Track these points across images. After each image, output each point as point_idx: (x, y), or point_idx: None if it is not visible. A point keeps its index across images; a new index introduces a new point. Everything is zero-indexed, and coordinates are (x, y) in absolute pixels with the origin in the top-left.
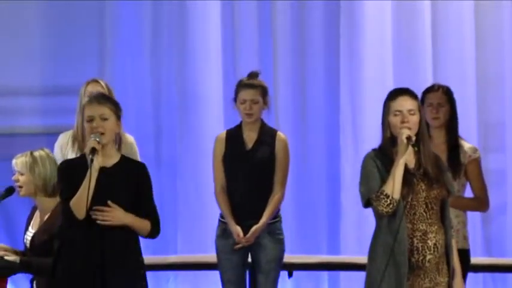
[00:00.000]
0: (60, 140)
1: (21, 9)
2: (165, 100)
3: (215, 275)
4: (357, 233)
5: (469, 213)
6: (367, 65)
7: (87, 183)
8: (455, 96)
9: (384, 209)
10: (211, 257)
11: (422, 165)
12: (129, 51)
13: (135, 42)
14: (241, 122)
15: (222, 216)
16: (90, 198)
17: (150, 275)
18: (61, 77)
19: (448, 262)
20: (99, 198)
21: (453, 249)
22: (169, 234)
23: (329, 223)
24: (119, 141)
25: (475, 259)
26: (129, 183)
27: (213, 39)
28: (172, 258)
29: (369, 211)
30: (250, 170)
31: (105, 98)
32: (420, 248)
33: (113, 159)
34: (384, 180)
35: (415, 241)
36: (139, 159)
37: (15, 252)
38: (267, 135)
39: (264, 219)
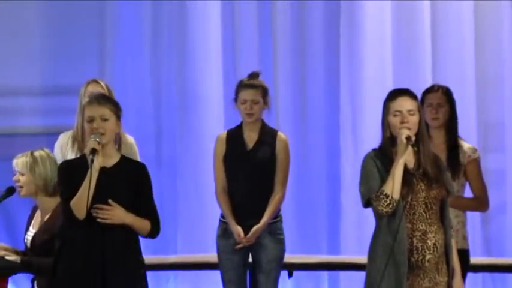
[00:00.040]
0: (60, 140)
1: (21, 9)
2: (165, 100)
3: (215, 274)
4: (356, 233)
5: (469, 213)
6: (367, 65)
7: (88, 183)
8: (455, 96)
9: (384, 209)
10: (211, 256)
11: (422, 165)
12: (129, 51)
13: (135, 42)
14: (241, 122)
15: (222, 216)
16: (90, 198)
17: (150, 275)
18: (61, 77)
19: (448, 262)
20: (99, 198)
21: (453, 249)
22: (170, 234)
23: (329, 223)
24: (118, 141)
25: (474, 259)
26: (129, 183)
27: (213, 39)
28: (172, 258)
29: (369, 211)
30: (251, 170)
31: (105, 99)
32: (420, 248)
33: (113, 159)
34: (383, 180)
35: (415, 241)
36: (139, 159)
37: (16, 252)
38: (268, 135)
39: (264, 219)
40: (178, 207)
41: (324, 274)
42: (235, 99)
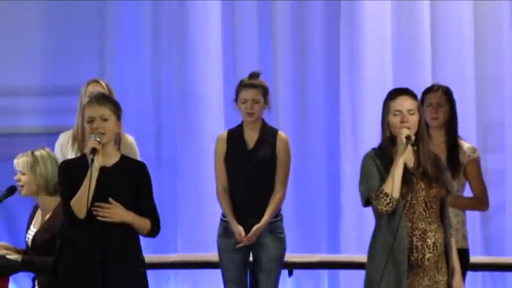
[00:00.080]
0: (61, 139)
1: (21, 9)
2: (165, 100)
3: (215, 273)
4: (356, 232)
5: (468, 213)
6: (367, 65)
7: (88, 182)
8: (455, 96)
9: (384, 208)
10: (211, 255)
11: (422, 164)
12: (129, 51)
13: (136, 42)
14: (242, 122)
15: (223, 215)
16: (90, 197)
17: (150, 274)
18: (61, 77)
19: (447, 261)
20: (99, 198)
21: (452, 248)
22: (170, 234)
23: (329, 222)
24: (118, 140)
25: (474, 258)
26: (129, 182)
27: (213, 39)
28: (172, 257)
29: (369, 210)
30: (252, 170)
31: (105, 99)
32: (419, 247)
33: (113, 158)
34: (383, 180)
35: (415, 240)
36: (139, 159)
37: (17, 251)
38: (268, 134)
39: (265, 219)
40: (178, 206)
41: (324, 273)
42: (236, 99)
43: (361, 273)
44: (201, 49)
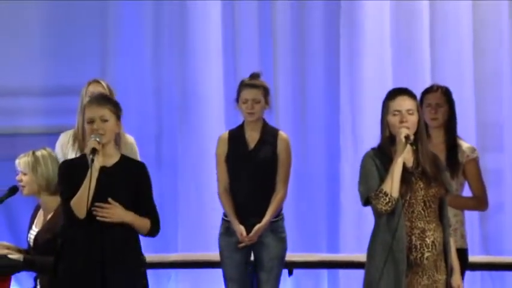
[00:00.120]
0: (61, 139)
1: (22, 10)
2: (166, 100)
3: (215, 272)
4: (356, 232)
5: (467, 212)
6: (366, 65)
7: (88, 182)
8: (454, 96)
9: (383, 207)
10: (212, 255)
11: (421, 164)
12: (130, 52)
13: (137, 42)
14: (243, 122)
15: (225, 214)
16: (90, 197)
17: (151, 273)
18: (62, 77)
19: (446, 260)
20: (99, 198)
21: (451, 247)
22: (170, 233)
23: (329, 222)
24: (118, 141)
25: (473, 257)
26: (129, 182)
27: (213, 39)
28: (173, 257)
29: (368, 210)
30: (253, 170)
31: (105, 99)
32: (418, 246)
33: (113, 158)
34: (382, 179)
35: (414, 239)
36: (139, 159)
37: (19, 251)
38: (269, 134)
39: (266, 218)
40: (178, 206)
41: (324, 272)
42: (237, 99)
43: (360, 273)
44: (202, 49)
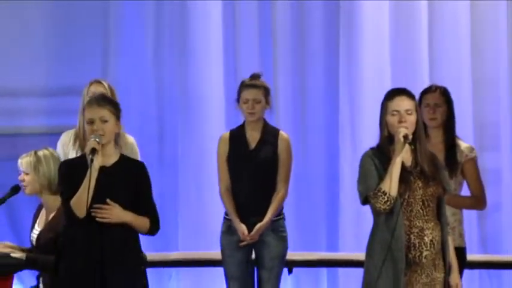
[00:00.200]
0: (63, 138)
1: (24, 10)
2: (167, 100)
3: (216, 271)
4: (355, 231)
5: (465, 211)
6: (365, 65)
7: (87, 182)
8: (451, 96)
9: (382, 206)
10: (212, 253)
11: (419, 163)
12: (131, 52)
13: (138, 42)
14: (244, 122)
15: (226, 213)
16: (90, 197)
17: (152, 272)
18: (64, 78)
19: (445, 258)
20: (99, 197)
21: (449, 246)
22: (171, 232)
23: (328, 221)
24: (118, 140)
25: (471, 256)
26: (128, 182)
27: (214, 39)
28: (174, 255)
29: (367, 209)
30: (254, 170)
31: (104, 100)
32: (417, 244)
33: (112, 158)
34: (381, 178)
35: (412, 237)
36: (140, 159)
37: (22, 250)
38: (270, 134)
39: (268, 217)
40: (179, 206)
41: (323, 271)
42: (238, 100)
43: (359, 271)
44: (202, 49)
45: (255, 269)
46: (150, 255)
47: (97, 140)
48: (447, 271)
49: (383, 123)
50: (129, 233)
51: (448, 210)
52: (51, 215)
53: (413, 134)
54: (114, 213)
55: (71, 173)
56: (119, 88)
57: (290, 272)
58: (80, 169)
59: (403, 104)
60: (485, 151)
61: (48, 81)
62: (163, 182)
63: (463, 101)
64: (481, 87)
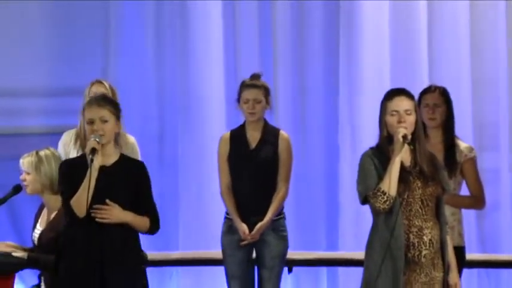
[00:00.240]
0: (64, 138)
1: (25, 10)
2: (168, 100)
3: (217, 270)
4: (354, 230)
5: (464, 211)
6: (365, 65)
7: (87, 182)
8: (451, 96)
9: (381, 206)
10: (213, 253)
11: (418, 163)
12: (132, 52)
13: (138, 42)
14: (244, 122)
15: (227, 213)
16: (90, 197)
17: (153, 271)
18: (65, 78)
19: (444, 257)
20: (99, 197)
21: (448, 245)
22: (171, 232)
23: (328, 220)
24: (119, 140)
25: (469, 255)
26: (128, 181)
27: (214, 39)
28: (175, 255)
29: (366, 208)
30: (255, 170)
31: (104, 100)
32: (416, 244)
33: (112, 158)
34: (381, 178)
35: (411, 237)
36: (140, 159)
37: (23, 249)
38: (270, 134)
39: (268, 216)
40: (180, 205)
41: (323, 270)
42: (238, 100)
43: (359, 270)
44: (202, 49)
45: (256, 268)
46: (151, 254)
47: (97, 139)
48: (446, 270)
49: (382, 123)
50: (129, 233)
51: (448, 210)
52: (53, 215)
53: (413, 134)
54: (114, 213)
55: (71, 173)
56: (119, 88)
57: (290, 271)
58: (80, 169)
59: (402, 104)
60: (484, 151)
61: (49, 81)
62: (164, 182)
63: (462, 101)
64: (480, 87)
